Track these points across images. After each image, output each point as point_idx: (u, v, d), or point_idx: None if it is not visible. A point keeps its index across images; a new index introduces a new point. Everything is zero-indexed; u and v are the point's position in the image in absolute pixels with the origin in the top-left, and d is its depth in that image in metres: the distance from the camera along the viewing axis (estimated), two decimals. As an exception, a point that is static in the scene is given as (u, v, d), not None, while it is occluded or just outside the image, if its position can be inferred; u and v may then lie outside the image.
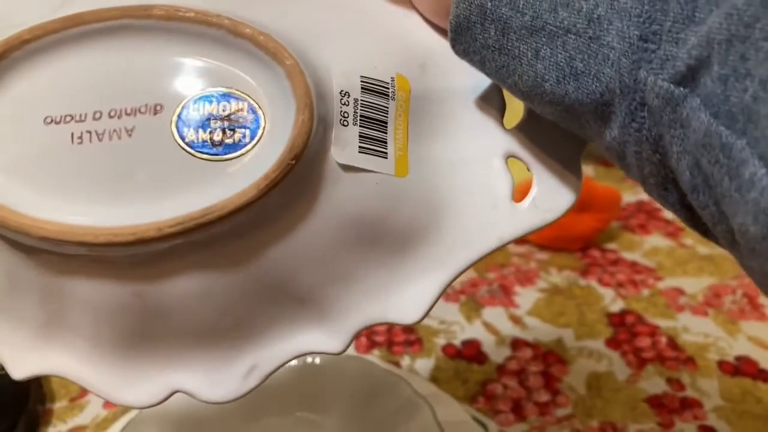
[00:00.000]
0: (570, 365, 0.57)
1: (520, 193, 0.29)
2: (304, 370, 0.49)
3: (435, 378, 0.56)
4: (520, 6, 0.24)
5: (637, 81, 0.21)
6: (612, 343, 0.59)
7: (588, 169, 0.79)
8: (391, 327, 0.61)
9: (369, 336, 0.60)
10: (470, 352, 0.58)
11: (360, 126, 0.27)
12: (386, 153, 0.27)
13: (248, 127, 0.25)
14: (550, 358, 0.58)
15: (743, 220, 0.18)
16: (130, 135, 0.25)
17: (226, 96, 0.25)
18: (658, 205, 0.80)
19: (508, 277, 0.68)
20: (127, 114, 0.25)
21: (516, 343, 0.59)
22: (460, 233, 0.29)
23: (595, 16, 0.22)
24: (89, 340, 0.28)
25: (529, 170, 0.30)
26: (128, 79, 0.25)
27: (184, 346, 0.28)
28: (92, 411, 0.53)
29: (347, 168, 0.26)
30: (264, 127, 0.25)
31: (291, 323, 0.28)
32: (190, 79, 0.25)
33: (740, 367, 0.56)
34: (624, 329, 0.61)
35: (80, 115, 0.25)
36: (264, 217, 0.25)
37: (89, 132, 0.25)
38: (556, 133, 0.28)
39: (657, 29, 0.21)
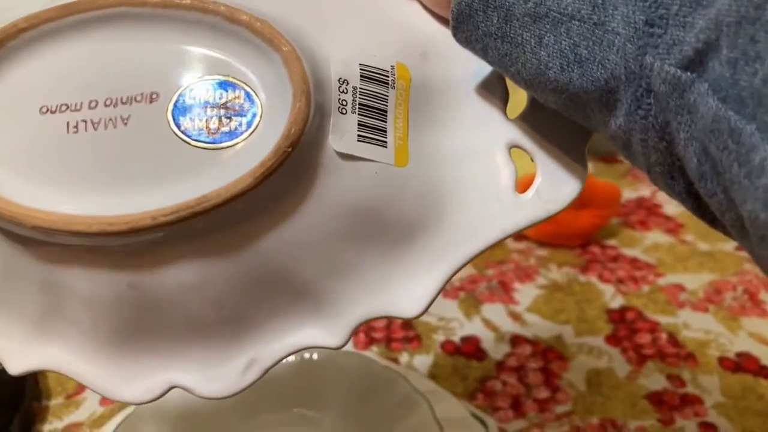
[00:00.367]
0: (570, 362, 0.57)
1: (522, 184, 0.29)
2: (301, 366, 0.49)
3: (434, 375, 0.55)
4: None
5: (643, 67, 0.21)
6: (612, 339, 0.59)
7: (588, 166, 0.78)
8: (389, 323, 0.61)
9: (367, 332, 0.60)
10: (469, 349, 0.58)
11: (359, 114, 0.26)
12: (386, 142, 0.27)
13: (245, 115, 0.25)
14: (550, 355, 0.57)
15: (753, 207, 0.18)
16: (125, 124, 0.24)
17: (223, 84, 0.25)
18: (658, 202, 0.80)
19: (508, 273, 0.68)
20: (122, 102, 0.25)
21: (515, 340, 0.59)
22: (463, 225, 0.28)
23: (600, 1, 0.22)
24: (85, 335, 0.27)
25: (532, 161, 0.29)
26: (124, 67, 0.25)
27: (180, 340, 0.27)
28: (88, 408, 0.53)
29: (345, 156, 0.26)
30: (260, 115, 0.25)
31: (289, 317, 0.28)
32: (187, 67, 0.25)
33: (741, 364, 0.56)
34: (624, 326, 0.60)
35: (76, 104, 0.25)
36: (260, 205, 0.25)
37: (85, 121, 0.24)
38: (560, 122, 0.28)
39: (663, 13, 0.20)
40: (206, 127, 0.24)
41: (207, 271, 0.26)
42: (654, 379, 0.55)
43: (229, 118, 0.24)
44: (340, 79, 0.26)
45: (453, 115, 0.29)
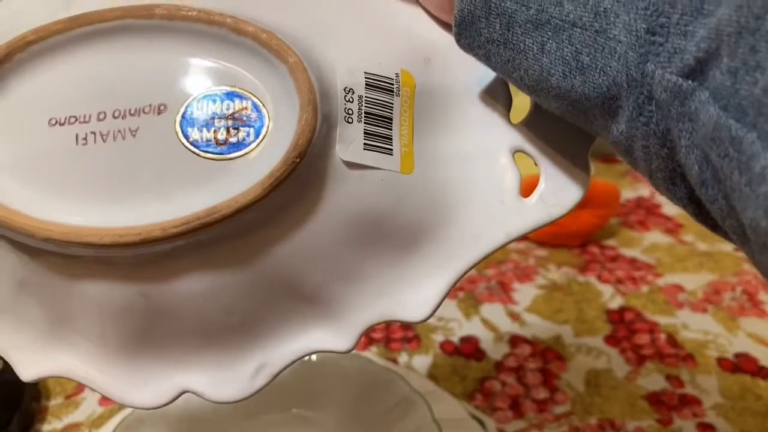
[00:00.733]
0: (569, 362, 0.57)
1: (525, 185, 0.29)
2: (301, 367, 0.49)
3: (433, 375, 0.56)
4: None
5: (644, 74, 0.21)
6: (611, 340, 0.59)
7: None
8: (389, 323, 0.61)
9: (367, 332, 0.60)
10: (468, 349, 0.58)
11: (365, 123, 0.26)
12: (391, 150, 0.27)
13: (252, 126, 0.25)
14: (549, 355, 0.57)
15: (754, 215, 0.18)
16: (134, 135, 0.25)
17: (230, 95, 0.25)
18: (657, 202, 0.80)
19: (507, 273, 0.68)
20: (131, 114, 0.25)
21: (514, 340, 0.59)
22: (468, 229, 0.29)
23: (602, 8, 0.22)
24: (96, 341, 0.28)
25: (536, 165, 0.29)
26: (132, 79, 0.25)
27: (191, 346, 0.28)
28: (88, 408, 0.53)
29: (352, 165, 0.26)
30: (268, 126, 0.25)
31: (298, 322, 0.28)
32: (194, 78, 0.25)
33: (740, 364, 0.56)
34: (623, 326, 0.61)
35: (84, 116, 0.25)
36: (269, 215, 0.25)
37: (93, 133, 0.25)
38: (563, 127, 0.28)
39: (665, 22, 0.21)
40: (214, 138, 0.25)
41: (217, 280, 0.26)
42: (653, 380, 0.55)
43: (237, 128, 0.25)
44: (346, 88, 0.26)
45: (457, 121, 0.29)
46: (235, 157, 0.25)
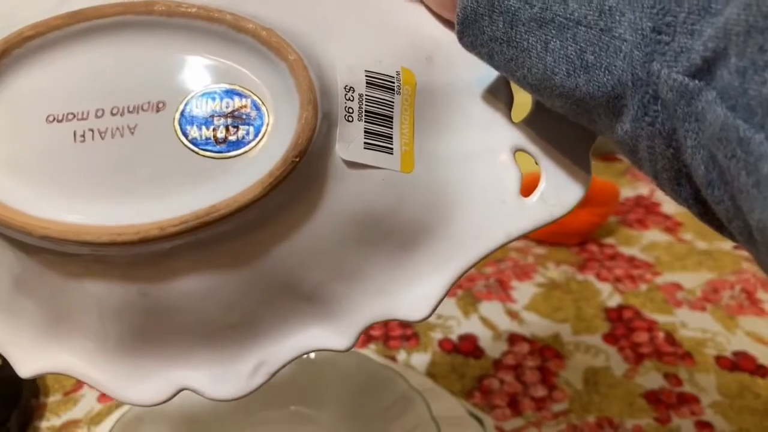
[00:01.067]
0: (567, 360, 0.57)
1: (526, 187, 0.29)
2: (299, 364, 0.49)
3: (431, 373, 0.56)
4: None
5: (650, 74, 0.21)
6: (609, 338, 0.59)
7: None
8: (387, 321, 0.61)
9: (366, 330, 0.60)
10: (467, 347, 0.58)
11: (365, 122, 0.26)
12: (392, 149, 0.27)
13: (252, 124, 0.24)
14: (547, 353, 0.57)
15: (761, 216, 0.18)
16: (132, 133, 0.24)
17: (230, 92, 0.25)
18: (656, 200, 0.80)
19: (506, 271, 0.68)
20: (129, 111, 0.24)
21: (513, 338, 0.59)
22: (468, 229, 0.28)
23: (607, 7, 0.22)
24: (95, 338, 0.27)
25: (537, 164, 0.29)
26: (130, 76, 0.25)
27: (190, 343, 0.27)
28: (86, 405, 0.53)
29: (352, 164, 0.26)
30: (268, 124, 0.25)
31: (297, 320, 0.28)
32: (193, 75, 0.25)
33: (738, 363, 0.56)
34: (621, 324, 0.61)
35: (82, 113, 0.24)
36: (269, 214, 0.25)
37: (91, 130, 0.24)
38: (564, 126, 0.28)
39: (671, 20, 0.20)
40: (214, 136, 0.24)
41: (216, 279, 0.26)
42: (651, 378, 0.55)
43: (237, 126, 0.24)
44: (346, 86, 0.26)
45: (458, 120, 0.29)
46: (235, 156, 0.24)
